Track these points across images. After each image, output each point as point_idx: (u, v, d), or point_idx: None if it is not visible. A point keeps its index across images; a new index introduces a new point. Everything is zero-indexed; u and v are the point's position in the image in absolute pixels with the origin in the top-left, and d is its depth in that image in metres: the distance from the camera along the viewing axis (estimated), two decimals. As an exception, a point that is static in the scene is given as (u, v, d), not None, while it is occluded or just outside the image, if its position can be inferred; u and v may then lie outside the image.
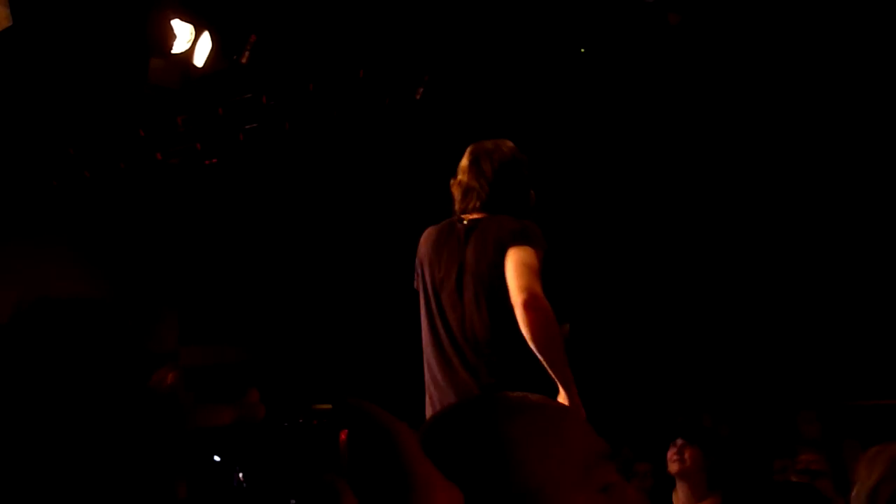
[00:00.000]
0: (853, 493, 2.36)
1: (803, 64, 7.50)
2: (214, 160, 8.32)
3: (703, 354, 8.63)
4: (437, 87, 7.96)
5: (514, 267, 3.58)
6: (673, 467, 5.28)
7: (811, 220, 8.40)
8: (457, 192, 3.98)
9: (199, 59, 6.91)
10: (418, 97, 7.90)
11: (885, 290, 8.05)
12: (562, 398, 3.48)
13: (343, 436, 0.73)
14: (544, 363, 3.47)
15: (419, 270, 3.96)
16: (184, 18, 6.75)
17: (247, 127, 8.19)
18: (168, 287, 8.40)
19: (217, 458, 0.75)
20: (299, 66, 7.81)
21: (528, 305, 3.45)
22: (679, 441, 5.29)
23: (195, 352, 8.40)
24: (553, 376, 3.47)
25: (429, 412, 3.81)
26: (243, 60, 7.23)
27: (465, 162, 4.00)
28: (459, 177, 3.99)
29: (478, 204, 3.91)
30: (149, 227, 8.63)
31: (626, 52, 7.78)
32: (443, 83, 7.98)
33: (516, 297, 3.49)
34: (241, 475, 0.74)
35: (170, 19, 6.69)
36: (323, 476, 0.72)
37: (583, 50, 7.91)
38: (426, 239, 3.99)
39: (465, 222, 3.89)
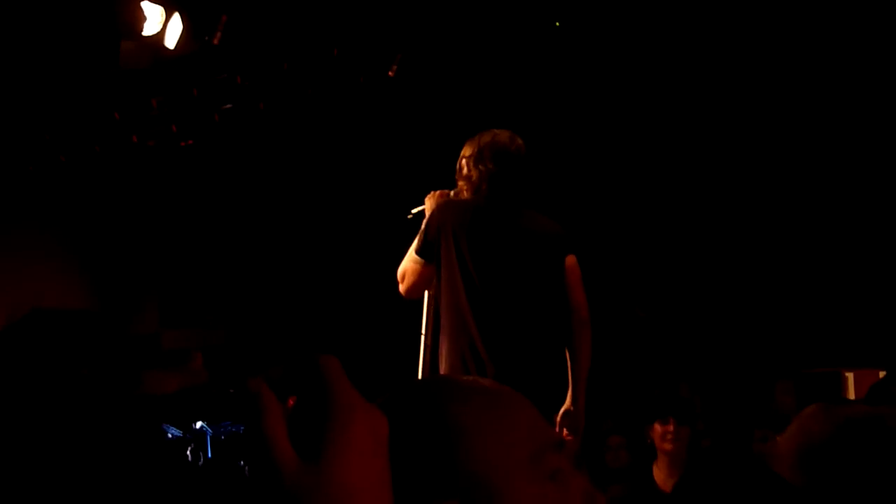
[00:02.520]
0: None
1: (769, 33, 7.51)
2: (190, 141, 8.30)
3: (680, 324, 8.67)
4: (410, 65, 7.96)
5: (578, 281, 4.14)
6: (667, 447, 5.32)
7: (784, 192, 8.42)
8: (476, 175, 4.14)
9: (171, 41, 6.89)
10: (392, 75, 7.89)
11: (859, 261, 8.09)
12: (570, 403, 4.05)
13: (291, 402, 0.75)
14: (577, 371, 4.06)
15: (438, 239, 4.06)
16: (153, 0, 6.73)
17: (222, 108, 8.17)
18: (148, 270, 8.41)
19: (171, 435, 0.75)
20: (273, 46, 7.79)
21: (589, 323, 4.10)
22: (672, 421, 5.34)
23: (176, 335, 8.41)
24: (575, 382, 4.06)
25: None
26: (215, 41, 7.21)
27: (476, 148, 4.18)
28: (476, 161, 4.17)
29: (495, 190, 4.09)
30: (126, 210, 8.62)
31: (600, 25, 7.79)
32: (416, 61, 7.98)
33: (581, 313, 4.09)
34: (190, 450, 0.75)
35: (140, 2, 6.67)
36: (246, 383, 0.73)
37: (558, 24, 7.90)
38: (451, 211, 4.11)
39: (501, 209, 4.05)
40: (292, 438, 0.72)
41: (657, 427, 5.32)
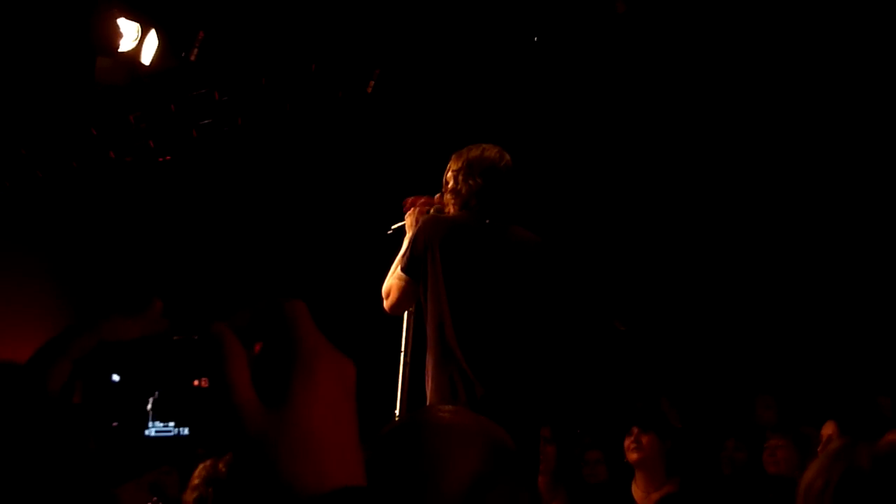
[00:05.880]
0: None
1: (743, 51, 7.55)
2: (168, 157, 8.28)
3: (661, 338, 8.67)
4: (388, 81, 7.97)
5: None
6: (631, 456, 5.29)
7: (761, 206, 8.46)
8: (465, 189, 4.12)
9: (147, 58, 6.88)
10: (370, 91, 7.90)
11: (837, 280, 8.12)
12: None
13: (257, 348, 0.74)
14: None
15: (425, 256, 4.02)
16: (129, 17, 6.72)
17: (200, 123, 8.16)
18: (125, 286, 8.36)
19: (116, 378, 0.73)
20: (251, 62, 7.78)
21: None
22: (635, 429, 5.31)
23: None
24: None
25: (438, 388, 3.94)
26: (192, 58, 7.21)
27: (464, 163, 4.16)
28: (465, 176, 4.15)
29: (484, 206, 4.09)
30: (104, 225, 8.58)
31: (577, 41, 7.82)
32: (394, 76, 7.99)
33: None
34: (152, 400, 0.73)
35: (115, 18, 6.66)
36: (210, 328, 0.72)
37: (536, 39, 7.92)
38: (438, 228, 4.07)
39: (489, 225, 4.06)
40: (257, 385, 0.70)
41: (626, 440, 5.32)
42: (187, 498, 3.82)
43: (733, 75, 7.81)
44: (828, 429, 5.15)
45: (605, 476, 6.26)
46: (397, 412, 4.30)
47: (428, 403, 3.89)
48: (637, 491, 5.34)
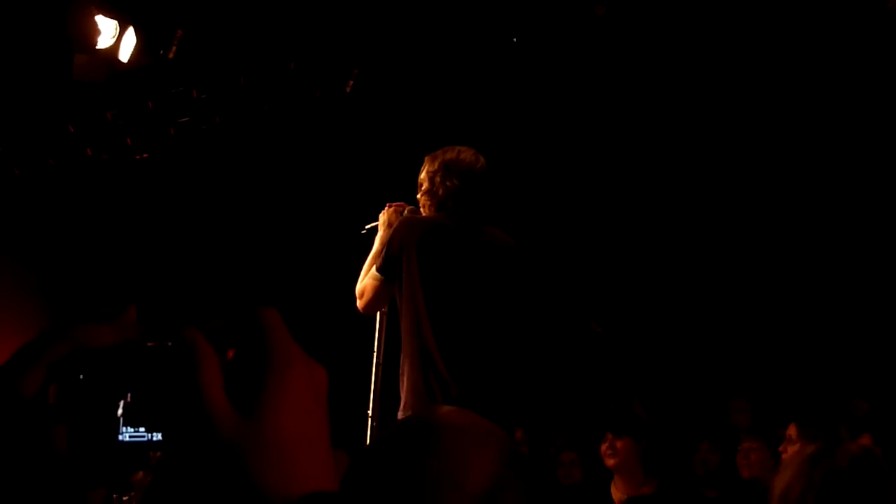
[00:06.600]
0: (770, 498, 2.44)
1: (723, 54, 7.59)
2: (145, 155, 8.25)
3: (637, 340, 8.70)
4: (366, 80, 7.97)
5: None
6: (609, 462, 5.32)
7: (736, 209, 8.49)
8: (442, 191, 4.10)
9: (125, 55, 6.86)
10: (348, 90, 7.90)
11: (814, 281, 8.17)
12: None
13: (230, 354, 0.74)
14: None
15: (400, 257, 4.00)
16: (108, 14, 6.70)
17: (178, 121, 8.14)
18: (101, 286, 8.32)
19: (80, 377, 0.73)
20: (229, 60, 7.76)
21: None
22: (609, 435, 5.34)
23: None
24: None
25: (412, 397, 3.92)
26: (170, 55, 7.19)
27: (440, 164, 4.14)
28: (442, 178, 4.13)
29: (460, 208, 4.07)
30: (80, 223, 8.54)
31: (555, 42, 7.83)
32: (372, 76, 7.99)
33: None
34: (123, 403, 0.73)
35: (94, 15, 6.64)
36: (182, 334, 0.72)
37: (515, 40, 7.94)
38: (415, 230, 4.06)
39: (465, 227, 4.05)
40: (229, 391, 0.70)
41: (602, 447, 5.34)
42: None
43: (711, 78, 7.85)
44: (791, 430, 5.18)
45: (579, 477, 6.29)
46: (370, 413, 4.30)
47: (403, 404, 3.89)
48: (616, 492, 5.37)
